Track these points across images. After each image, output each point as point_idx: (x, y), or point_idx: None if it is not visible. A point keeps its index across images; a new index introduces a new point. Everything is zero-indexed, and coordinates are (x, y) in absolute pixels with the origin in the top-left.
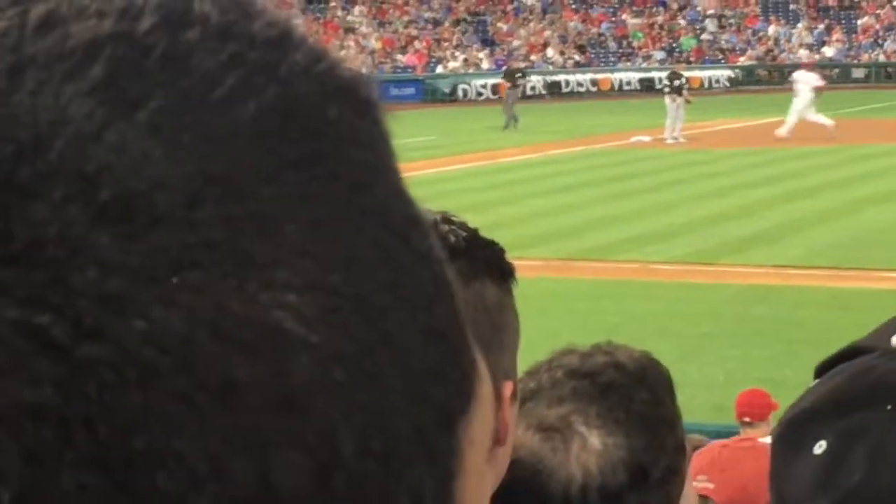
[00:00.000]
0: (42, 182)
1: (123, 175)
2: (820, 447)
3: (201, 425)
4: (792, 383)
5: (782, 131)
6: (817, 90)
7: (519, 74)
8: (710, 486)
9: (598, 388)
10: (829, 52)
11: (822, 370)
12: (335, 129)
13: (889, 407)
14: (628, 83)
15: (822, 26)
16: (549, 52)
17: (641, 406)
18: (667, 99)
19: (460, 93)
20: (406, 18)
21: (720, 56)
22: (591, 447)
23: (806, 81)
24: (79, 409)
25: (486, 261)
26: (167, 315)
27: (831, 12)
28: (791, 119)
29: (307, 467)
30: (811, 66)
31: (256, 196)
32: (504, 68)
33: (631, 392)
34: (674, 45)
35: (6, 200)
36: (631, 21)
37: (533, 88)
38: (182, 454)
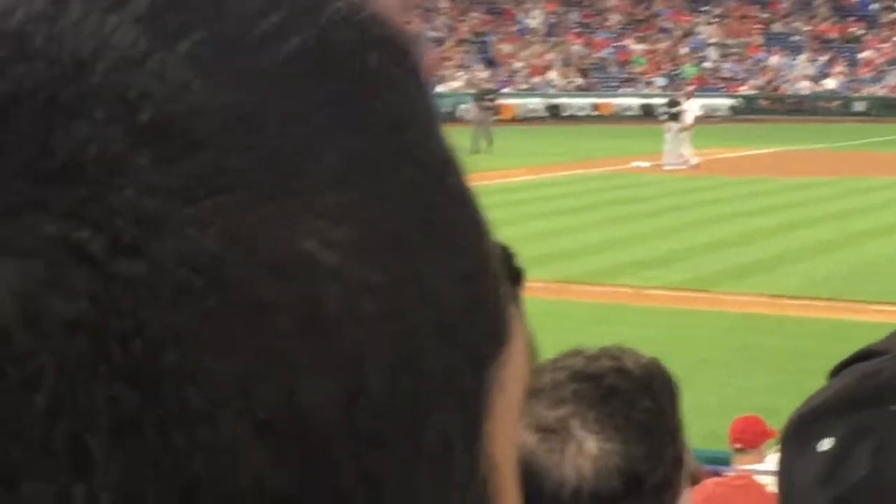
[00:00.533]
0: (84, 103)
1: (163, 100)
2: (826, 444)
3: (231, 345)
4: (787, 412)
5: (691, 161)
6: (697, 119)
7: (489, 96)
8: None
9: (601, 392)
10: (830, 84)
11: (836, 372)
12: (372, 75)
13: (895, 407)
14: (629, 108)
15: (824, 58)
16: (551, 74)
17: (643, 414)
18: (665, 125)
19: (460, 113)
20: None
21: (721, 84)
22: (586, 451)
23: (691, 109)
24: (113, 323)
25: None
26: (201, 236)
27: (834, 45)
28: (682, 149)
29: (334, 396)
30: (690, 94)
31: (292, 128)
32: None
33: (633, 399)
34: (675, 72)
35: (49, 120)
36: (633, 47)
37: (534, 111)
38: (211, 372)
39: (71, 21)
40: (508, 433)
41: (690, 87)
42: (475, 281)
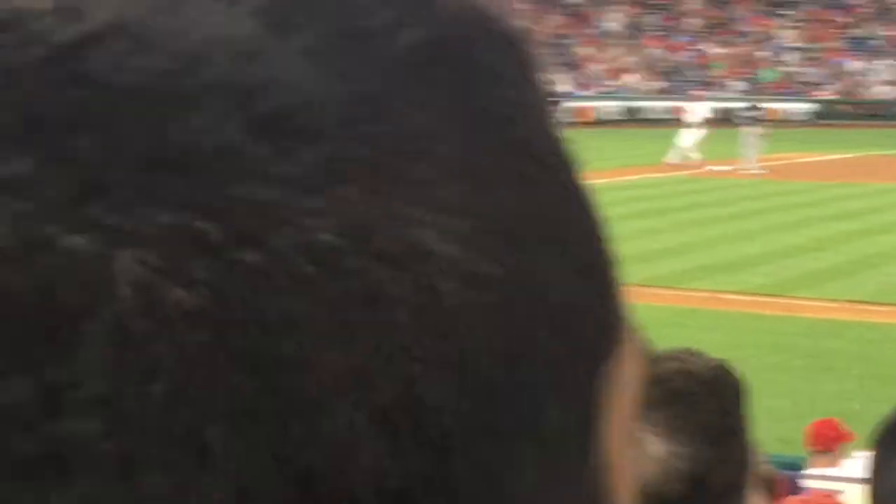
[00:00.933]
0: (202, 94)
1: (280, 92)
2: None
3: (349, 335)
4: (861, 418)
5: (673, 158)
6: (707, 121)
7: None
8: None
9: (666, 394)
10: None
11: None
12: (485, 69)
13: None
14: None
15: None
16: (630, 77)
17: (708, 416)
18: (744, 129)
19: None
20: None
21: (800, 89)
22: (650, 454)
23: (697, 113)
24: (232, 312)
25: None
26: (319, 227)
27: None
28: (681, 145)
29: (451, 386)
30: (700, 98)
31: (408, 119)
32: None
33: (698, 401)
34: (754, 76)
35: (167, 111)
36: (712, 50)
37: (612, 114)
38: (329, 362)
39: (189, 14)
40: (623, 435)
41: (697, 91)
42: (589, 276)
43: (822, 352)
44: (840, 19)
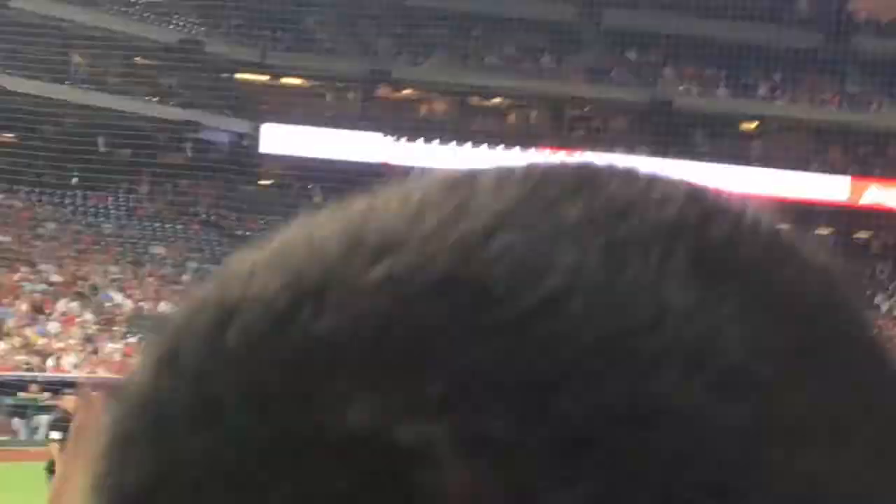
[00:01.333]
0: (662, 354)
1: (724, 348)
2: None
3: None
4: None
5: None
6: None
7: None
8: None
9: None
10: None
11: None
12: (848, 322)
13: None
14: None
15: None
16: None
17: None
18: None
19: None
20: None
21: None
22: None
23: None
24: None
25: None
26: (778, 478)
27: None
28: None
29: None
30: None
31: (837, 367)
32: None
33: None
34: None
35: (635, 369)
36: None
37: None
38: None
39: (632, 275)
40: None
41: None
42: None
43: None
44: None
